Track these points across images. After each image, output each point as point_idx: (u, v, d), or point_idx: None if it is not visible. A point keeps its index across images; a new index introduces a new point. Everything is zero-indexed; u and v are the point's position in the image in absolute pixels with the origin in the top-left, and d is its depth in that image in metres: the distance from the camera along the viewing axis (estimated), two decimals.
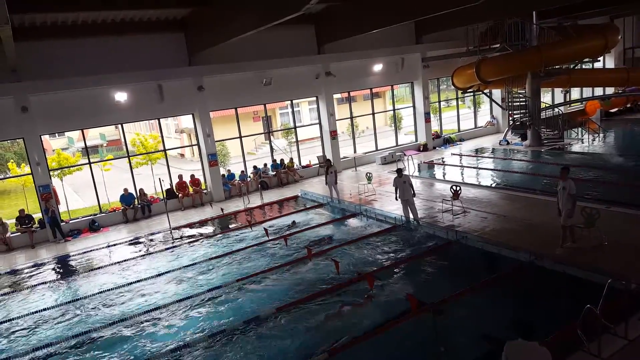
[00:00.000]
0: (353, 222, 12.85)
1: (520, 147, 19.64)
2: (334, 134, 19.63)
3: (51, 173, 15.24)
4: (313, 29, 18.52)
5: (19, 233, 14.58)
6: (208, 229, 14.02)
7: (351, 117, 21.48)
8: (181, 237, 13.37)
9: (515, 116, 20.38)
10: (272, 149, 19.85)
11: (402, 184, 11.33)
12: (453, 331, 6.93)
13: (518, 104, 19.91)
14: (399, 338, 6.91)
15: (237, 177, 18.34)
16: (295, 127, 20.56)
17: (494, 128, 24.58)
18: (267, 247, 11.44)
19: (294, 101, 20.66)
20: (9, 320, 9.08)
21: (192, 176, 17.64)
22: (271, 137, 21.90)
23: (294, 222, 13.48)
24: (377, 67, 20.44)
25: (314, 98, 19.96)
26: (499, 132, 23.67)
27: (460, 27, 19.15)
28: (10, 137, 15.75)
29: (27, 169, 16.90)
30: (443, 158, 19.45)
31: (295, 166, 19.42)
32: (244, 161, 18.87)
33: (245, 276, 9.74)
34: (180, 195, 17.01)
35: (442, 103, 24.57)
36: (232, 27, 13.11)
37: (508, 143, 20.60)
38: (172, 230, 13.93)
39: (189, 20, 15.61)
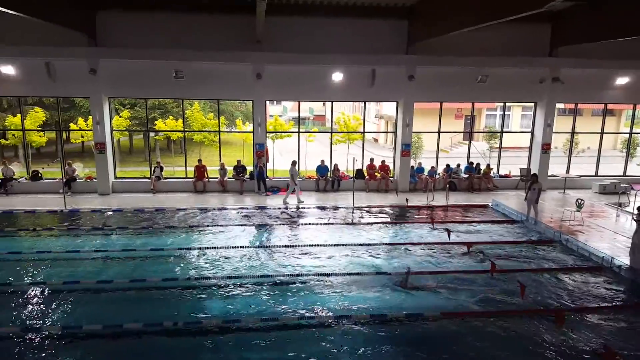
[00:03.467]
0: (548, 249, 11.31)
1: None
2: (546, 148, 17.52)
3: (267, 135, 17.26)
4: (549, 28, 16.61)
5: (234, 179, 17.04)
6: (388, 215, 14.12)
7: (572, 133, 18.82)
8: (361, 216, 13.78)
9: None
10: (469, 150, 18.75)
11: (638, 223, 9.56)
12: None
13: None
14: None
15: (425, 172, 17.97)
16: (501, 132, 19.00)
17: None
18: (446, 249, 10.92)
19: (506, 104, 19.05)
20: (212, 248, 10.67)
21: (383, 162, 17.95)
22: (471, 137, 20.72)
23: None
24: (620, 80, 17.35)
25: (531, 104, 18.07)
26: None
27: None
28: (243, 98, 18.36)
29: (249, 128, 19.52)
30: None
31: (492, 173, 18.05)
32: (437, 157, 18.36)
33: (417, 271, 9.49)
34: (367, 177, 17.49)
35: None
36: (459, 19, 12.61)
37: None
38: (355, 208, 14.47)
39: (416, 8, 15.59)
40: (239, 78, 16.10)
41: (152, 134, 21.15)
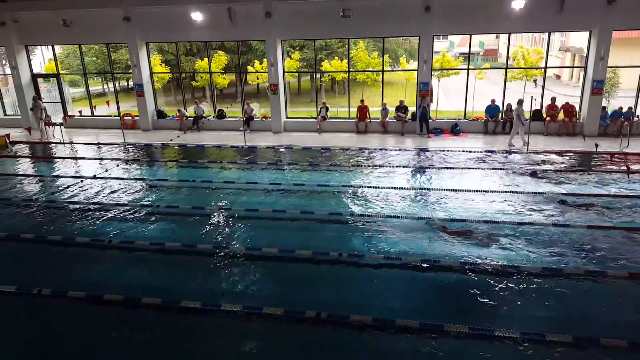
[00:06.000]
0: None
1: None
2: None
3: (432, 73, 16.36)
4: None
5: (395, 120, 16.82)
6: (571, 162, 12.49)
7: None
8: (536, 162, 12.43)
9: None
10: None
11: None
12: None
13: None
14: None
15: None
16: None
17: None
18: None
19: None
20: (373, 187, 10.82)
21: (567, 102, 15.69)
22: None
23: None
24: None
25: None
26: None
27: None
28: (409, 34, 17.59)
29: (413, 66, 18.78)
30: None
31: None
32: (637, 97, 15.30)
33: (608, 225, 8.27)
34: (547, 119, 15.55)
35: None
36: None
37: None
38: (529, 153, 13.11)
39: None
40: (406, 12, 15.35)
41: (318, 75, 21.90)
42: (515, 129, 14.25)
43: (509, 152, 13.50)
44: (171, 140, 16.18)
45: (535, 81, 17.60)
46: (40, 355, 5.65)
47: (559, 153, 13.19)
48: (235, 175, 12.36)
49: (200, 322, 6.10)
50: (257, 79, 22.41)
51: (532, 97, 14.27)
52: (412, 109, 16.98)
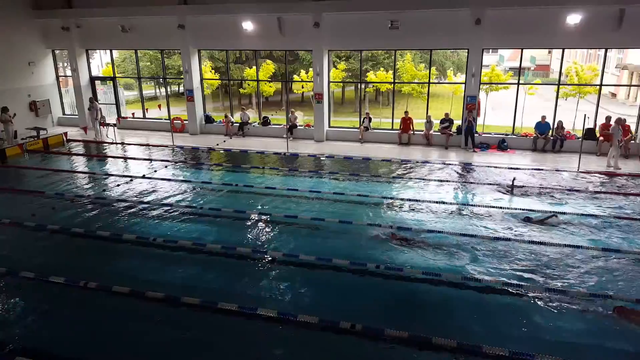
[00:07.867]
0: None
1: None
2: None
3: (480, 86, 16.00)
4: None
5: (439, 133, 16.55)
6: (626, 185, 11.88)
7: None
8: (590, 182, 11.90)
9: None
10: None
11: None
12: None
13: None
14: None
15: None
16: None
17: None
18: None
19: None
20: (414, 200, 10.68)
21: (624, 121, 14.91)
22: None
23: None
24: None
25: None
26: None
27: None
28: (458, 47, 17.32)
29: (461, 79, 18.45)
30: None
31: None
32: None
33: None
34: (601, 138, 14.84)
35: None
36: None
37: None
38: (580, 173, 12.57)
39: None
40: (455, 25, 15.10)
41: (362, 86, 21.92)
42: (612, 149, 13.60)
43: (555, 170, 12.99)
44: (217, 144, 16.61)
45: (566, 99, 16.97)
46: (84, 345, 5.90)
47: (610, 175, 12.59)
48: (277, 182, 12.51)
49: (236, 324, 6.20)
50: (302, 87, 22.66)
51: (585, 115, 13.69)
52: (457, 122, 16.65)
